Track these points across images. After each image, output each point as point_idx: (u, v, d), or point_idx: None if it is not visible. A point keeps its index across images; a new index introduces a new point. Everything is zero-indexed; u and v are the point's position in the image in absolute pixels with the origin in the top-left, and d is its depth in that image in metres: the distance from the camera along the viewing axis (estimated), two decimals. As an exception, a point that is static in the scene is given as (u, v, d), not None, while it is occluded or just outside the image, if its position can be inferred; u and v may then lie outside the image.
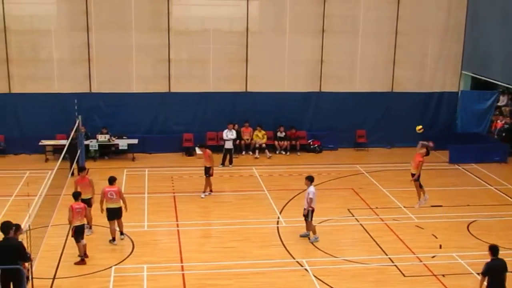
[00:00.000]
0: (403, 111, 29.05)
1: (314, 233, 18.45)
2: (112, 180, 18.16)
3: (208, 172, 22.16)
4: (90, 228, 18.56)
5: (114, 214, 18.01)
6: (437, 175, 25.19)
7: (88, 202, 18.15)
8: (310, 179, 18.35)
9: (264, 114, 28.07)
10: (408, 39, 28.67)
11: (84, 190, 18.18)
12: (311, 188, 18.22)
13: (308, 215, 18.23)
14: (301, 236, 18.60)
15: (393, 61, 28.79)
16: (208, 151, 22.34)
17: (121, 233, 18.39)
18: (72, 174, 22.76)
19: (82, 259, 16.71)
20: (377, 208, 21.20)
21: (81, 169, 19.52)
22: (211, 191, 22.38)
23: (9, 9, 26.41)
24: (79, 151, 23.61)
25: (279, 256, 17.45)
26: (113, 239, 18.06)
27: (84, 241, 16.86)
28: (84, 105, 25.22)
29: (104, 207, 17.96)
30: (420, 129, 22.04)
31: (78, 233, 16.70)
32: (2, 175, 24.45)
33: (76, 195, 17.08)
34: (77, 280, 15.83)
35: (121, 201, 18.09)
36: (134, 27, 27.14)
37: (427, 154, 21.19)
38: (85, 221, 17.16)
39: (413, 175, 21.11)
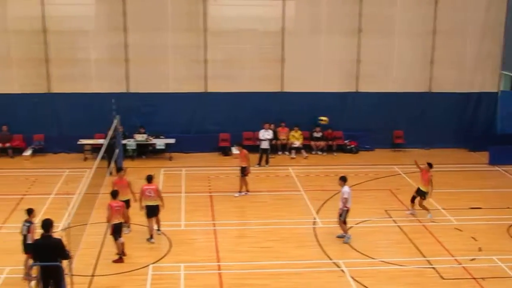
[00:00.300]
0: (441, 111, 28.73)
1: (345, 232, 18.37)
2: (150, 178, 18.32)
3: (244, 172, 22.19)
4: (128, 227, 18.72)
5: (152, 212, 18.17)
6: (477, 177, 24.85)
7: (126, 203, 18.30)
8: (343, 179, 18.30)
9: (300, 114, 27.98)
10: (446, 39, 28.33)
11: (122, 191, 18.26)
12: (346, 188, 18.16)
13: (342, 215, 18.17)
14: (338, 237, 18.50)
15: (431, 61, 28.46)
16: (244, 151, 22.36)
17: (158, 229, 18.55)
18: (110, 173, 22.99)
19: (120, 257, 16.87)
20: (414, 209, 20.98)
21: (119, 169, 19.68)
22: (247, 191, 22.40)
23: (49, 10, 26.78)
24: (117, 151, 23.82)
25: (316, 257, 17.38)
26: (151, 237, 18.19)
27: (122, 239, 17.01)
28: (121, 105, 25.41)
29: (143, 204, 18.10)
30: (323, 120, 21.83)
31: (116, 231, 16.87)
32: (42, 173, 24.82)
33: (115, 194, 17.24)
34: (115, 278, 15.97)
35: (159, 199, 18.21)
36: (171, 28, 27.30)
37: (431, 166, 20.68)
38: (122, 219, 17.32)
39: (422, 193, 20.29)
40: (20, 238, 15.33)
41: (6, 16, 26.93)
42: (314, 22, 27.99)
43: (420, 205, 20.42)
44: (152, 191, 18.11)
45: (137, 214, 18.53)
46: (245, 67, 27.99)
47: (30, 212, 15.44)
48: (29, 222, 15.24)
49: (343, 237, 18.38)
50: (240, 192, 22.32)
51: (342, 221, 18.29)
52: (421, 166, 20.78)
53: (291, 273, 16.38)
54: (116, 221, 16.83)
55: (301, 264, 16.85)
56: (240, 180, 22.43)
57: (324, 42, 28.00)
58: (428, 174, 20.29)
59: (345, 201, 18.05)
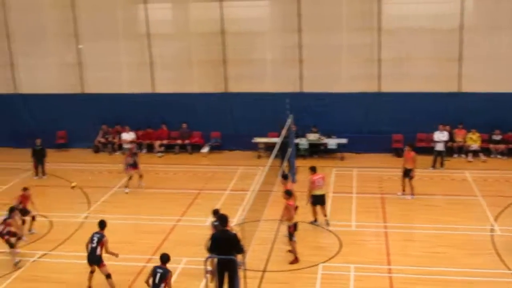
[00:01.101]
0: None
1: None
2: (315, 169, 19.04)
3: (409, 174, 21.64)
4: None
5: (319, 200, 18.86)
6: None
7: None
8: None
9: (479, 115, 26.66)
10: None
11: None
12: None
13: None
14: None
15: None
16: (412, 153, 21.83)
17: (327, 222, 19.02)
18: (285, 177, 22.56)
19: (296, 257, 17.02)
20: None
21: (285, 176, 19.43)
22: (412, 194, 21.82)
23: (227, 13, 27.79)
24: (290, 150, 24.19)
25: (491, 266, 16.58)
26: (315, 220, 18.98)
27: (295, 239, 17.22)
28: (295, 104, 25.70)
29: (313, 193, 18.85)
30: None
31: (295, 230, 17.08)
32: (218, 170, 25.82)
33: (290, 193, 17.35)
34: (286, 275, 16.26)
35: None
36: (345, 27, 27.25)
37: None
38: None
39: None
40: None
41: (188, 20, 28.35)
42: (495, 18, 26.61)
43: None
44: (321, 180, 18.79)
45: (304, 214, 18.73)
46: (420, 66, 27.18)
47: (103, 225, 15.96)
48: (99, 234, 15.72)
49: None
50: (403, 192, 21.93)
51: None
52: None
53: (463, 281, 15.78)
54: (295, 221, 17.08)
55: (475, 273, 16.16)
56: (403, 181, 22.03)
57: (506, 39, 26.55)
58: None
59: None
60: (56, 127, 29.60)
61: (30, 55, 29.58)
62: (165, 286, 13.71)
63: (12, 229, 17.44)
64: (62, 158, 28.18)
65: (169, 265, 14.02)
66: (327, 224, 18.87)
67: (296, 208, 17.42)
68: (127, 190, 23.10)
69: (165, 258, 14.04)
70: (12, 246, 17.38)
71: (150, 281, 13.84)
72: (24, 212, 19.38)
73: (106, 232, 15.78)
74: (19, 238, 17.84)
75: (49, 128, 29.43)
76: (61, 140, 29.63)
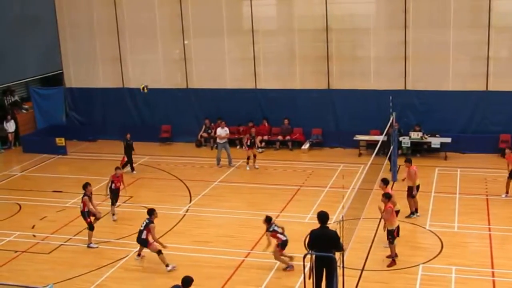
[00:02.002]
0: None
1: None
2: (410, 160, 19.97)
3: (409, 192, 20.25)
4: None
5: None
6: None
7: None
8: None
9: None
10: None
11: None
12: None
13: None
14: None
15: None
16: (413, 167, 20.13)
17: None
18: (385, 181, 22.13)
19: (394, 260, 16.86)
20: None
21: (385, 181, 18.91)
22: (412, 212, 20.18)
23: (332, 9, 27.72)
24: (391, 147, 23.90)
25: None
26: (416, 210, 19.65)
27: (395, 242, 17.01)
28: (398, 102, 25.38)
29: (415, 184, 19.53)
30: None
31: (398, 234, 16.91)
32: (319, 166, 25.84)
33: (389, 196, 17.19)
34: (385, 274, 16.12)
35: None
36: (452, 24, 26.59)
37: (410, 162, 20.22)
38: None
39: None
40: (295, 227, 16.08)
41: (292, 16, 28.50)
42: None
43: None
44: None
45: (402, 212, 18.46)
46: (532, 65, 26.27)
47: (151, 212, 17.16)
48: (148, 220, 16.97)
49: None
50: (507, 194, 21.29)
51: None
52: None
53: None
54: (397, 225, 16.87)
55: None
56: (508, 183, 21.35)
57: None
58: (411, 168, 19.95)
59: None
60: (161, 121, 30.50)
61: (138, 51, 30.67)
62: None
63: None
64: (165, 152, 29.02)
65: (268, 260, 14.17)
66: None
67: (397, 212, 17.19)
68: (248, 167, 25.34)
69: (187, 282, 13.25)
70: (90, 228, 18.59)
71: None
72: (115, 193, 20.45)
73: (204, 224, 16.12)
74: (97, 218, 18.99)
75: (153, 122, 30.43)
76: (165, 134, 30.50)
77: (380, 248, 17.49)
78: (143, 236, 16.92)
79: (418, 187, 19.90)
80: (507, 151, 21.63)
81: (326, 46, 27.99)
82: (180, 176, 24.84)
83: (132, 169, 25.77)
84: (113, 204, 20.61)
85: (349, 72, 28.19)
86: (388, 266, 16.68)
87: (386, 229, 16.92)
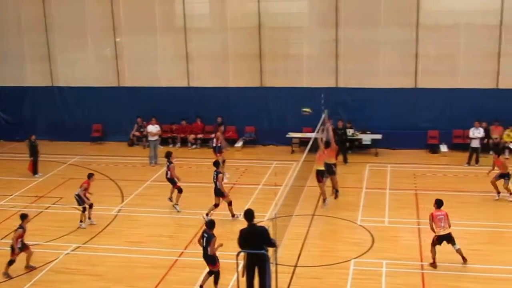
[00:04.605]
0: None
1: None
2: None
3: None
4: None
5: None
6: None
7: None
8: None
9: (516, 112, 26.42)
10: None
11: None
12: None
13: None
14: None
15: None
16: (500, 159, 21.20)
17: None
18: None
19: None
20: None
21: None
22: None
23: (265, 7, 27.85)
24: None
25: (528, 264, 16.41)
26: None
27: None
28: (330, 99, 25.69)
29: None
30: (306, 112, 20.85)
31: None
32: (252, 164, 25.91)
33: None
34: (318, 270, 16.24)
35: None
36: (382, 22, 27.09)
37: (327, 146, 20.62)
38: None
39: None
40: (229, 225, 16.03)
41: (225, 14, 28.48)
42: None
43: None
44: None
45: (340, 209, 18.64)
46: (458, 63, 26.99)
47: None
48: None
49: None
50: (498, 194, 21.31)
51: None
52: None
53: (500, 279, 15.62)
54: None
55: (508, 270, 16.00)
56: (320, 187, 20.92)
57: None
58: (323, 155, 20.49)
59: None
60: (92, 120, 29.98)
61: (68, 48, 30.04)
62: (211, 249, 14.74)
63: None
64: (96, 151, 28.58)
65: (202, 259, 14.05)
66: None
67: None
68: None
69: (211, 224, 14.97)
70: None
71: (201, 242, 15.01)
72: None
73: (137, 224, 15.89)
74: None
75: (84, 121, 29.89)
76: (96, 134, 30.02)
77: (314, 244, 17.65)
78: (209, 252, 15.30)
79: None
80: (494, 155, 21.64)
81: (259, 44, 28.09)
82: (112, 176, 24.48)
83: (35, 172, 24.88)
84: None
85: (282, 69, 28.40)
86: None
87: None
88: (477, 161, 25.05)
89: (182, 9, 28.62)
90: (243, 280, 14.03)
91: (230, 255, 15.00)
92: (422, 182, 23.21)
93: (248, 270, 13.92)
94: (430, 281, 15.55)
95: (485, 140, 26.05)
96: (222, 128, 24.82)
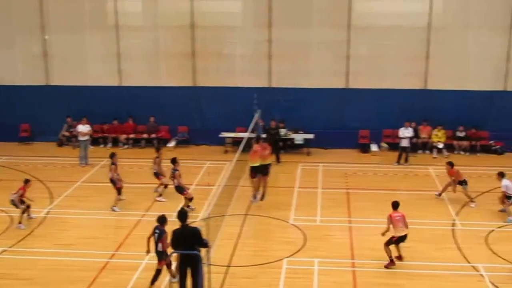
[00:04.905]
0: None
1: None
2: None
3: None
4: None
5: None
6: None
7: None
8: (502, 175, 19.54)
9: (444, 112, 27.08)
10: None
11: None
12: (505, 182, 19.35)
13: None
14: (500, 210, 19.79)
15: None
16: (454, 168, 21.31)
17: None
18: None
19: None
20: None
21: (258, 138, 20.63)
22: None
23: (197, 6, 27.69)
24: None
25: (454, 259, 16.84)
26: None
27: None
28: (263, 99, 25.86)
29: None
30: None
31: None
32: (185, 164, 25.56)
33: (396, 205, 16.93)
34: (251, 270, 16.25)
35: None
36: (315, 23, 27.35)
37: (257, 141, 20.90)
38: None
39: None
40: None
41: (158, 12, 28.19)
42: (462, 17, 26.95)
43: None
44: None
45: (274, 208, 18.72)
46: (389, 64, 27.47)
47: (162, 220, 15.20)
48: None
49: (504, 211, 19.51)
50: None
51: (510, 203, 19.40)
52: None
53: (427, 275, 15.99)
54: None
55: (438, 266, 16.39)
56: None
57: (472, 38, 26.89)
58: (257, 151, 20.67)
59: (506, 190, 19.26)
60: (20, 120, 29.18)
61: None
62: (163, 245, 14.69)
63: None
64: (24, 152, 27.85)
65: (134, 260, 13.91)
66: None
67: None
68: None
69: (162, 220, 14.99)
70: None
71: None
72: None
73: (67, 226, 15.57)
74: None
75: (12, 121, 29.05)
76: (24, 134, 29.21)
77: (246, 243, 17.66)
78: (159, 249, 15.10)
79: None
80: (447, 166, 21.56)
81: (192, 43, 27.94)
82: (41, 177, 23.85)
83: None
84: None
85: (215, 69, 28.28)
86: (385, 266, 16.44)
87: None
88: (406, 160, 25.59)
89: (113, 7, 28.15)
90: (175, 281, 13.90)
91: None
92: (353, 181, 23.56)
93: (181, 271, 13.82)
94: (362, 278, 15.77)
95: (414, 140, 26.64)
96: (161, 151, 23.36)
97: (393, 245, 16.50)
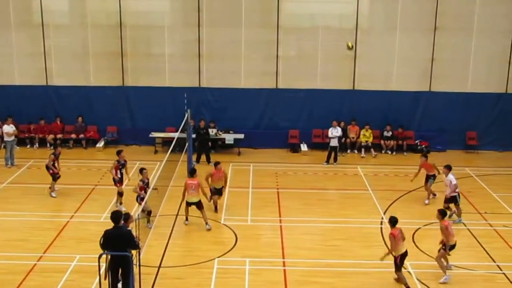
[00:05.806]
0: (519, 113, 27.85)
1: (459, 216, 19.83)
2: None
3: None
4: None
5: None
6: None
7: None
8: (449, 168, 19.77)
9: (371, 112, 27.68)
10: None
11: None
12: (451, 176, 19.61)
13: (456, 199, 19.67)
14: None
15: (510, 61, 27.61)
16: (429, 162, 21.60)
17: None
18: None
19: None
20: (486, 213, 20.47)
21: (193, 171, 19.56)
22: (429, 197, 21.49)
23: (126, 5, 27.38)
24: (187, 144, 24.11)
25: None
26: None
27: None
28: (193, 99, 25.79)
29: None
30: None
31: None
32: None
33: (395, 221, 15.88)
34: (182, 270, 16.19)
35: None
36: (244, 23, 27.46)
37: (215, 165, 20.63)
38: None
39: None
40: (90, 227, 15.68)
41: (85, 11, 27.73)
42: (389, 20, 27.59)
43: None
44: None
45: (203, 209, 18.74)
46: (318, 64, 27.86)
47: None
48: None
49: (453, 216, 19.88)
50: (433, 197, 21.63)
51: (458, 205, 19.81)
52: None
53: (357, 273, 16.27)
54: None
55: (367, 264, 16.69)
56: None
57: (398, 40, 27.54)
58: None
59: (455, 187, 19.52)
60: None
61: None
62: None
63: None
64: None
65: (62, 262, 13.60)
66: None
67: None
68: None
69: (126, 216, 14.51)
70: None
71: None
72: None
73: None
74: None
75: None
76: None
77: (177, 244, 17.58)
78: None
79: None
80: (422, 158, 21.70)
81: (120, 42, 27.61)
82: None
83: None
84: None
85: (144, 69, 28.04)
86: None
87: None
88: (335, 160, 25.98)
89: (39, 4, 27.51)
90: (105, 283, 13.71)
91: (92, 258, 14.68)
92: (283, 180, 23.77)
93: (112, 272, 13.65)
94: (292, 277, 15.92)
95: (343, 139, 27.10)
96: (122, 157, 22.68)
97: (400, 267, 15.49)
